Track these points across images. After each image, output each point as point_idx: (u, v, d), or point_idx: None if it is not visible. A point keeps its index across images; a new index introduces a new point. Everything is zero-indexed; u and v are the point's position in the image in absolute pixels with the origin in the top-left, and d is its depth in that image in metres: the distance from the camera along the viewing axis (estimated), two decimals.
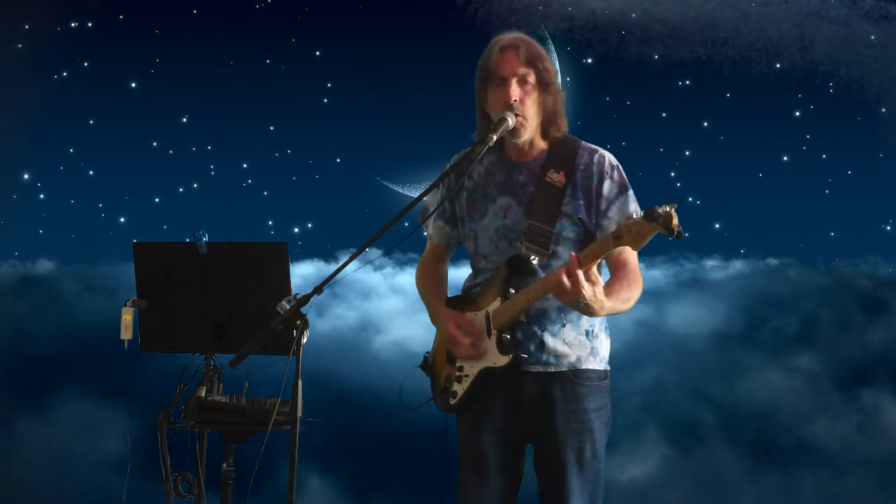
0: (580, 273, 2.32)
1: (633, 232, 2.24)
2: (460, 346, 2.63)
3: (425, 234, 2.90)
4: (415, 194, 2.64)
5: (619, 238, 2.28)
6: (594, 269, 2.36)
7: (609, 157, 2.62)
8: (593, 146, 2.65)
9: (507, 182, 2.66)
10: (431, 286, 2.85)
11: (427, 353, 2.85)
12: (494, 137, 2.54)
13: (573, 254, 2.37)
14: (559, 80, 2.65)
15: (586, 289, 2.33)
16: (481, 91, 2.64)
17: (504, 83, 2.57)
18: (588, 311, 2.41)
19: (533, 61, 2.56)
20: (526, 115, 2.56)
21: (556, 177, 2.58)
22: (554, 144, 2.64)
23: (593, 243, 2.39)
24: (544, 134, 2.63)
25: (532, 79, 2.57)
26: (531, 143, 2.64)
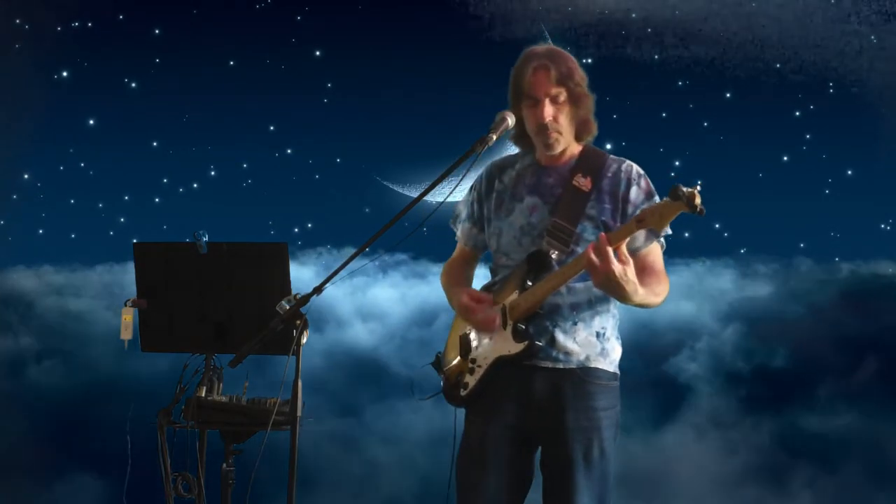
0: (610, 250, 2.40)
1: (656, 214, 2.37)
2: (475, 314, 2.69)
3: (456, 237, 2.95)
4: (415, 194, 2.66)
5: (641, 221, 2.40)
6: (624, 249, 2.43)
7: (636, 167, 2.73)
8: (621, 158, 2.76)
9: (536, 184, 2.74)
10: (455, 280, 2.90)
11: (439, 353, 2.87)
12: (494, 137, 2.64)
13: (602, 233, 2.46)
14: (587, 85, 2.71)
15: (617, 266, 2.40)
16: (515, 102, 2.73)
17: (537, 104, 2.66)
18: (620, 291, 2.46)
19: (564, 80, 2.65)
20: (561, 130, 2.67)
21: (583, 181, 2.68)
22: (584, 154, 2.74)
23: (619, 228, 2.50)
24: (577, 138, 2.74)
25: (563, 97, 2.66)
26: (564, 148, 2.73)
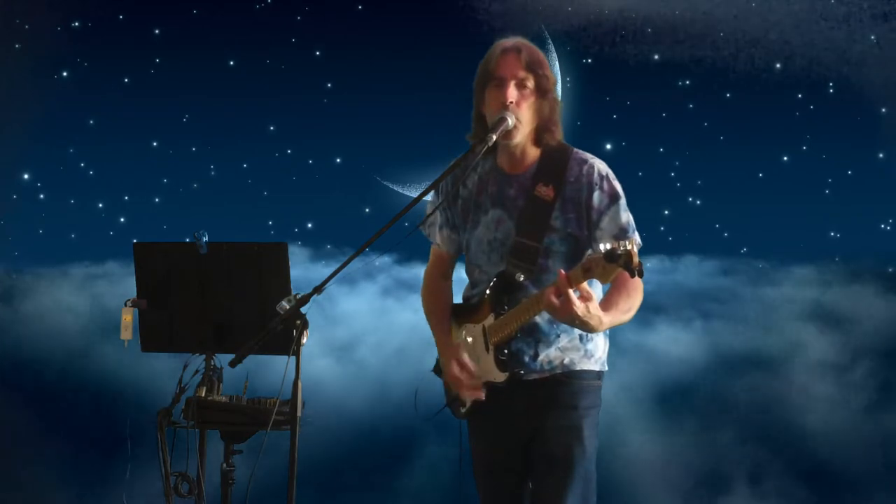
0: (571, 291, 2.28)
1: (600, 267, 2.22)
2: (462, 388, 2.66)
3: (432, 242, 2.89)
4: (415, 194, 2.65)
5: (588, 271, 2.26)
6: (585, 285, 2.31)
7: (599, 167, 2.59)
8: (584, 156, 2.62)
9: (498, 194, 2.66)
10: (436, 308, 2.85)
11: (439, 358, 2.87)
12: (494, 137, 2.53)
13: (562, 272, 2.32)
14: (558, 89, 2.65)
15: (578, 306, 2.28)
16: (479, 92, 2.63)
17: (502, 84, 2.55)
18: (586, 327, 2.37)
19: (533, 66, 2.55)
20: (521, 118, 2.55)
21: (545, 190, 2.56)
22: (545, 154, 2.62)
23: (572, 270, 2.32)
24: (538, 141, 2.62)
25: (531, 84, 2.55)
26: (523, 151, 2.62)
